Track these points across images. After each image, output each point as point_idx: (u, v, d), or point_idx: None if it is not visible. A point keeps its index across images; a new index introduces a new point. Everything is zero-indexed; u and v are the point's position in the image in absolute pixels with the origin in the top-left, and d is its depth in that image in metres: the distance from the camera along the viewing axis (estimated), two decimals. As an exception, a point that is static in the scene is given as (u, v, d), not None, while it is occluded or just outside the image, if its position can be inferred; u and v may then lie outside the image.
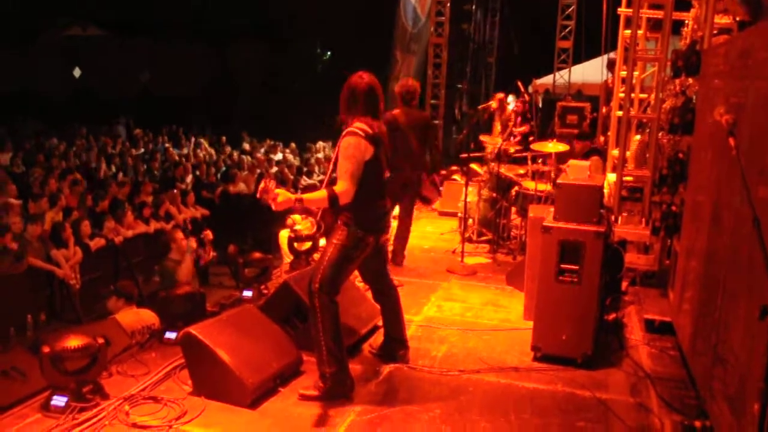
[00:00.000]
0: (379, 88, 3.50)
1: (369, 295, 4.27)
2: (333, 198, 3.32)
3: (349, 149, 3.36)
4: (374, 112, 3.46)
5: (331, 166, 3.45)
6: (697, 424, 3.15)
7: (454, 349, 4.27)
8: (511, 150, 6.93)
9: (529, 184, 6.49)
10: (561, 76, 14.06)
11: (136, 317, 4.78)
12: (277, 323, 3.97)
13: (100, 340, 3.44)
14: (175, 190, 9.68)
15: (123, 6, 20.82)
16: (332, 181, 3.41)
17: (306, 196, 3.38)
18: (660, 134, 5.64)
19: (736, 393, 2.59)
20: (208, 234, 7.30)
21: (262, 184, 3.30)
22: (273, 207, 3.28)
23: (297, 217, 6.07)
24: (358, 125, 3.39)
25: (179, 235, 6.42)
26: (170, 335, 4.17)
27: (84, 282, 7.24)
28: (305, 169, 13.77)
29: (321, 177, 14.52)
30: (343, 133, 3.38)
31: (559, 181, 4.26)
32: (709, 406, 3.13)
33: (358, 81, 3.48)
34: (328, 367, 3.47)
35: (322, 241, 3.46)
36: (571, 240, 4.01)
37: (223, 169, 12.56)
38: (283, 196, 3.24)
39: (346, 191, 3.34)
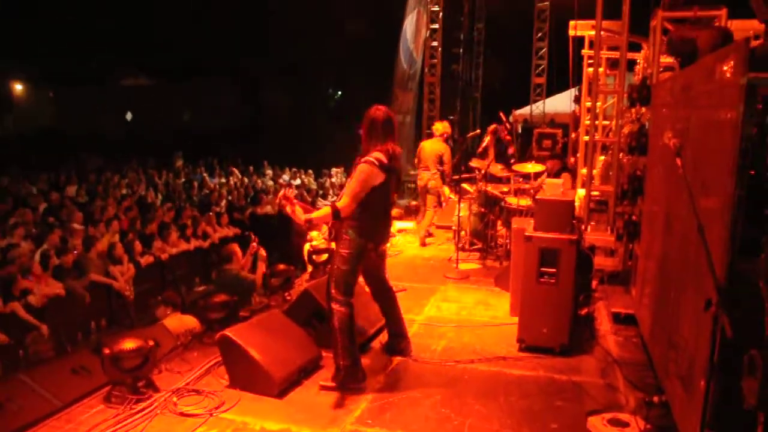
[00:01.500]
0: (394, 118, 3.50)
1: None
2: (335, 212, 3.32)
3: (361, 174, 3.36)
4: (392, 138, 3.43)
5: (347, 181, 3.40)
6: (656, 399, 3.19)
7: (452, 343, 4.25)
8: (497, 169, 6.92)
9: (513, 200, 6.47)
10: (537, 107, 14.18)
11: (180, 322, 4.79)
12: (300, 325, 3.96)
13: (151, 342, 3.48)
14: (211, 213, 9.69)
15: (167, 55, 20.74)
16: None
17: (314, 215, 3.38)
18: (621, 155, 5.62)
19: (687, 372, 2.66)
20: (260, 250, 6.83)
21: (281, 192, 3.36)
22: (289, 212, 3.34)
23: (315, 233, 6.01)
24: (376, 155, 3.36)
25: (237, 248, 6.23)
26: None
27: (137, 293, 7.30)
28: (321, 192, 13.64)
29: (334, 199, 14.42)
30: (361, 160, 3.40)
31: (537, 196, 4.29)
32: (665, 384, 3.16)
33: (376, 112, 3.47)
34: (343, 360, 3.47)
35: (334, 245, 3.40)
36: (549, 247, 4.04)
37: (252, 194, 12.49)
38: (299, 210, 3.34)
39: (346, 206, 3.33)
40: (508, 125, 7.99)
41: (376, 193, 3.35)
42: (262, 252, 6.05)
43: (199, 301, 5.00)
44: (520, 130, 11.51)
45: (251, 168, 16.40)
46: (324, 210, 3.35)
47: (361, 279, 3.71)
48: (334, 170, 17.06)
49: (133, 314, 7.02)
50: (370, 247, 3.51)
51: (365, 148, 3.40)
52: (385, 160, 3.36)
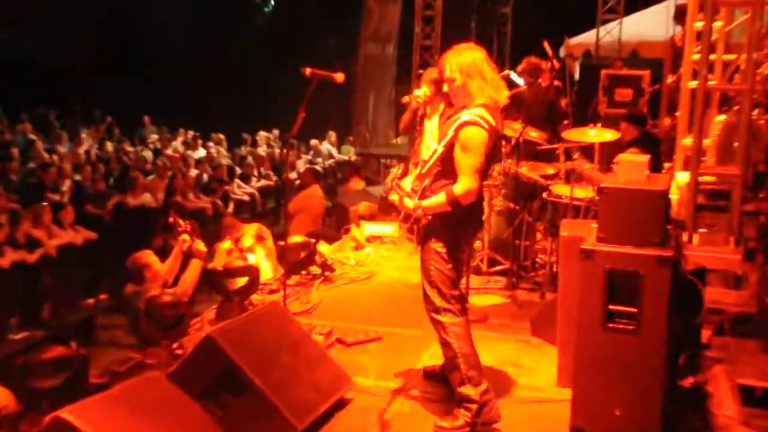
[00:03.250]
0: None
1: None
2: (453, 200, 3.48)
3: (476, 140, 3.46)
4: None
5: (431, 159, 3.55)
6: None
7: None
8: (533, 134, 6.10)
9: (562, 189, 5.81)
10: (607, 32, 12.14)
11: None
12: (196, 399, 3.44)
13: None
14: (44, 204, 8.04)
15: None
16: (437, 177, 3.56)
17: (428, 202, 3.51)
18: (755, 113, 5.02)
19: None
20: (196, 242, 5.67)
21: (393, 173, 3.55)
22: (396, 202, 3.57)
23: (225, 245, 5.59)
24: (481, 113, 3.48)
25: (149, 257, 5.20)
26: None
27: None
28: (239, 171, 12.10)
29: (262, 182, 11.56)
30: (459, 120, 3.48)
31: (603, 184, 3.65)
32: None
33: (473, 49, 3.56)
34: (473, 386, 3.56)
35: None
36: (624, 269, 3.47)
37: (118, 172, 10.66)
38: (407, 199, 3.58)
39: (471, 190, 3.50)
40: (556, 62, 6.92)
41: (485, 166, 3.63)
42: (199, 246, 5.11)
43: (17, 357, 4.17)
44: (577, 71, 10.09)
45: (118, 129, 14.32)
46: (439, 198, 3.51)
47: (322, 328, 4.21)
48: (262, 135, 15.19)
49: None
50: (470, 233, 3.81)
51: (462, 99, 3.53)
52: (492, 120, 3.54)
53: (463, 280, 4.20)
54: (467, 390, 3.65)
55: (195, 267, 5.26)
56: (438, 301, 3.72)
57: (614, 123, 6.49)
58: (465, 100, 3.66)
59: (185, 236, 5.13)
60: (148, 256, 5.24)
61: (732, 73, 6.07)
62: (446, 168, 3.66)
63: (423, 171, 3.71)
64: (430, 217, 3.69)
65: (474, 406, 3.64)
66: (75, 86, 15.66)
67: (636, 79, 7.58)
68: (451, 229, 3.71)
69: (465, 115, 3.60)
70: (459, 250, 3.79)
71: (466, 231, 3.82)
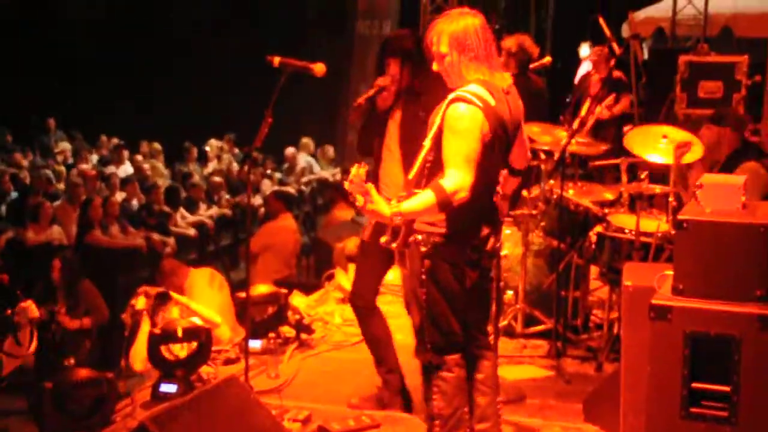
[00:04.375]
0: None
1: None
2: (444, 199, 3.52)
3: (460, 122, 3.61)
4: (498, 62, 3.86)
5: (419, 158, 3.72)
6: None
7: None
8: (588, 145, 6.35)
9: (624, 221, 5.82)
10: (688, 1, 11.93)
11: None
12: None
13: None
14: None
15: None
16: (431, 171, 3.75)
17: (407, 205, 3.56)
18: None
19: None
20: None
21: (354, 170, 3.57)
22: (360, 204, 3.58)
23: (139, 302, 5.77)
24: (474, 90, 3.66)
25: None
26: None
27: None
28: (184, 195, 12.13)
29: (213, 210, 11.73)
30: (447, 100, 3.69)
31: (681, 216, 3.69)
32: None
33: (466, 16, 3.71)
34: None
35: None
36: (713, 333, 3.45)
37: (13, 195, 10.76)
38: (377, 197, 3.59)
39: (461, 184, 3.56)
40: (616, 46, 7.16)
41: (482, 158, 3.70)
42: (32, 310, 5.20)
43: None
44: (645, 56, 10.14)
45: (9, 135, 14.38)
46: (425, 197, 3.57)
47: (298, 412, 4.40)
48: (213, 143, 15.22)
49: None
50: (470, 258, 3.83)
51: (455, 79, 3.72)
52: (490, 98, 3.68)
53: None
54: None
55: (145, 333, 5.39)
56: (431, 344, 3.87)
57: (697, 128, 6.49)
58: (458, 81, 3.79)
59: (29, 304, 5.18)
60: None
61: None
62: (438, 166, 3.76)
63: (410, 177, 3.79)
64: (417, 230, 3.75)
65: None
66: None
67: (728, 68, 7.64)
68: (448, 237, 3.75)
69: (454, 94, 3.75)
70: (460, 276, 3.86)
71: (468, 241, 3.84)
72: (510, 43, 7.18)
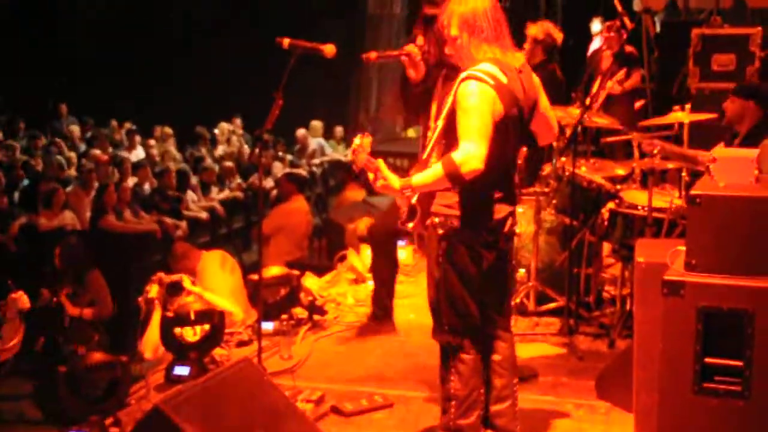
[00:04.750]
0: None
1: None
2: (453, 171, 3.54)
3: (473, 98, 3.62)
4: (509, 40, 3.87)
5: (431, 140, 3.80)
6: None
7: None
8: (598, 121, 6.28)
9: (637, 197, 5.85)
10: None
11: None
12: None
13: None
14: None
15: None
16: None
17: (417, 179, 3.62)
18: None
19: None
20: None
21: (357, 140, 3.65)
22: (372, 181, 3.67)
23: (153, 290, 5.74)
24: (486, 69, 3.69)
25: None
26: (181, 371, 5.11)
27: None
28: (194, 179, 12.16)
29: (226, 193, 12.34)
30: (458, 79, 3.74)
31: (694, 191, 3.66)
32: None
33: None
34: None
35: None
36: (726, 308, 3.43)
37: (25, 182, 10.81)
38: (387, 173, 3.62)
39: (475, 156, 3.57)
40: (628, 20, 7.20)
41: (496, 136, 3.72)
42: (23, 301, 5.23)
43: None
44: (657, 30, 10.08)
45: (22, 122, 14.32)
46: (434, 169, 3.64)
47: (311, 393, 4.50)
48: (224, 127, 15.33)
49: None
50: (486, 240, 3.84)
51: (466, 60, 3.72)
52: (503, 77, 3.71)
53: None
54: None
55: (156, 321, 5.42)
56: (448, 326, 3.91)
57: (710, 102, 6.53)
58: (469, 62, 3.79)
59: (20, 295, 5.21)
60: None
61: None
62: (451, 146, 3.78)
63: (423, 157, 3.82)
64: (434, 212, 3.80)
65: None
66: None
67: (741, 41, 7.58)
68: (464, 219, 3.78)
69: (465, 73, 3.76)
70: (477, 260, 3.90)
71: (484, 223, 3.85)
72: (536, 30, 7.16)
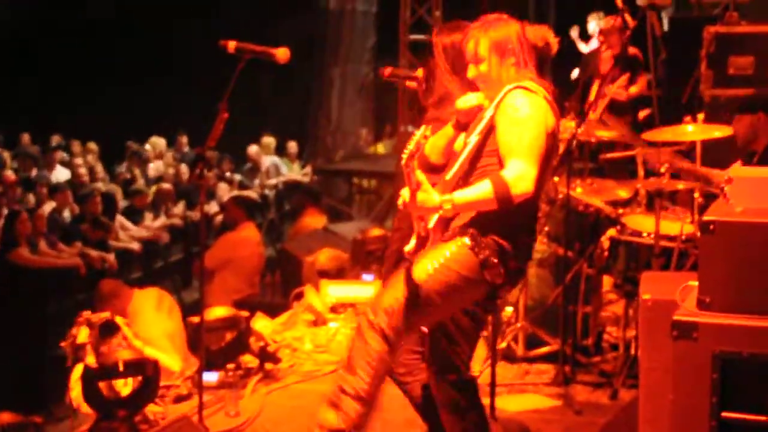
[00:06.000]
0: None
1: None
2: (505, 194, 3.54)
3: (531, 110, 3.71)
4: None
5: (461, 155, 3.82)
6: None
7: None
8: (600, 134, 6.36)
9: (642, 223, 5.86)
10: None
11: None
12: None
13: None
14: None
15: None
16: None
17: (460, 196, 3.59)
18: None
19: None
20: None
21: (422, 129, 3.55)
22: (410, 201, 3.59)
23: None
24: (529, 84, 3.82)
25: None
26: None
27: None
28: (123, 203, 12.30)
29: (162, 220, 12.26)
30: (501, 93, 3.80)
31: (708, 216, 3.67)
32: None
33: (509, 22, 3.92)
34: None
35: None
36: (746, 354, 3.41)
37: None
38: (428, 185, 3.58)
39: (529, 179, 3.61)
40: (629, 18, 7.24)
41: (545, 155, 3.80)
42: None
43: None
44: (665, 28, 10.27)
45: None
46: (482, 187, 3.60)
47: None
48: (157, 142, 15.30)
49: None
50: (516, 268, 3.83)
51: (495, 84, 3.80)
52: (549, 95, 3.87)
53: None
54: None
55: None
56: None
57: (727, 111, 6.53)
58: (498, 88, 3.87)
59: None
60: None
61: None
62: (485, 165, 3.78)
63: (448, 177, 3.83)
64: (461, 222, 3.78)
65: None
66: None
67: (761, 40, 7.63)
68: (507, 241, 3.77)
69: (511, 85, 3.83)
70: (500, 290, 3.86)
71: (522, 250, 3.87)
72: (532, 35, 7.12)
